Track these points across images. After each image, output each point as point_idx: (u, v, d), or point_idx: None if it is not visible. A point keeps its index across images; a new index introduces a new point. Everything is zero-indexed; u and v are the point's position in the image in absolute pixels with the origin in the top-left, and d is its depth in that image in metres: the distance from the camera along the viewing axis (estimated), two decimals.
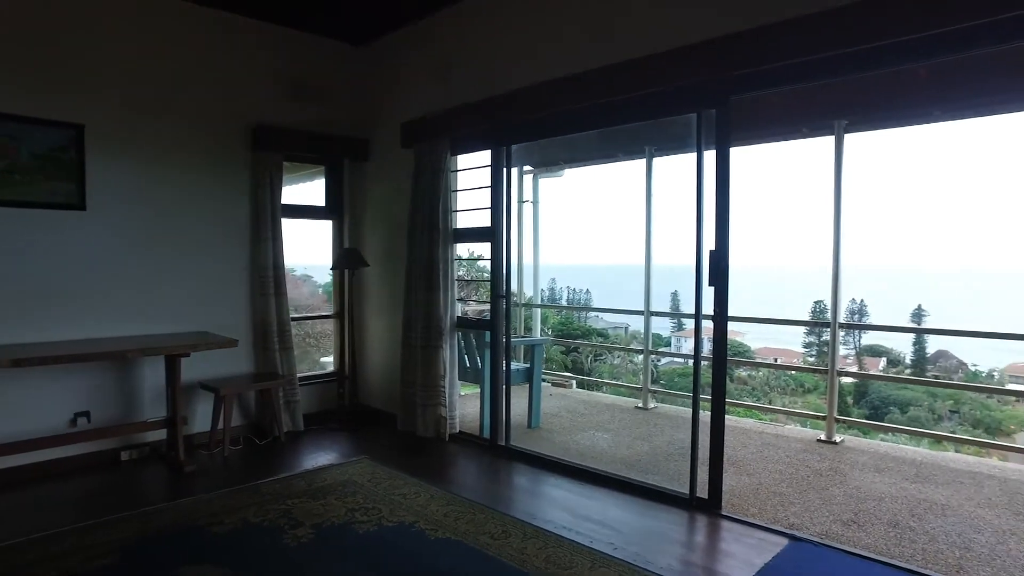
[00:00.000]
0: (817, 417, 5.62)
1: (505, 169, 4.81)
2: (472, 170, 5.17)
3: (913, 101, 4.88)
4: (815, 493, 4.16)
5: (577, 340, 19.83)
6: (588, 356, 27.60)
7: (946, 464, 4.79)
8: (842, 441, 5.27)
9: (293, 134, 5.54)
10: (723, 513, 3.77)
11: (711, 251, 3.62)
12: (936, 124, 5.36)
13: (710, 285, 3.62)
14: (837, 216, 5.21)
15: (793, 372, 34.05)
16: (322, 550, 3.33)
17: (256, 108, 5.37)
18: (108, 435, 4.55)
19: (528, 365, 5.72)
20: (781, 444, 5.25)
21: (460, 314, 5.48)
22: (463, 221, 5.28)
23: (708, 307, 3.74)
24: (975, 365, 33.65)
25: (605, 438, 5.45)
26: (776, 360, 36.06)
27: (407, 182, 5.26)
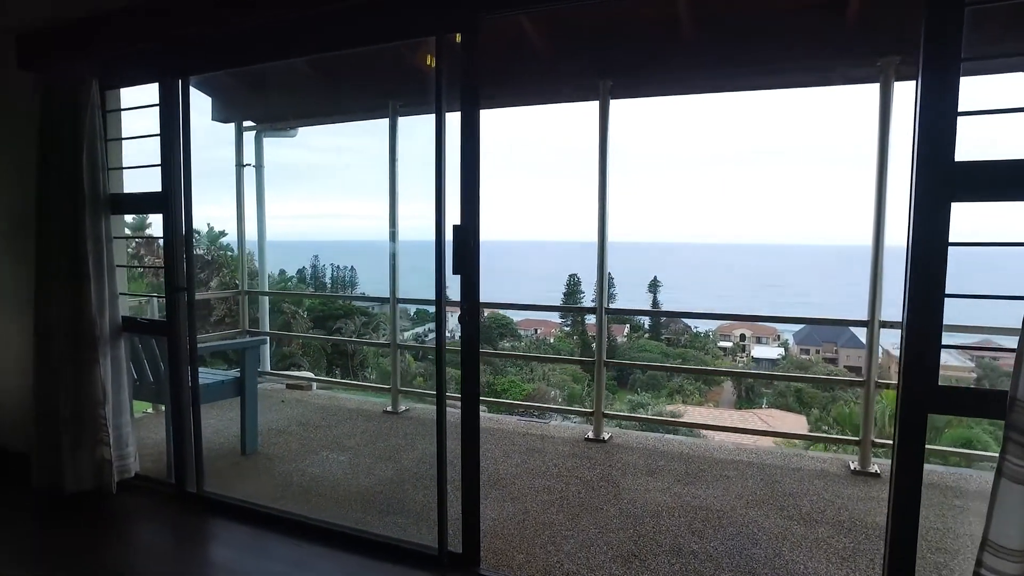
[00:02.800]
0: (585, 413, 5.01)
1: (182, 111, 3.31)
2: (136, 110, 3.58)
3: (675, 62, 4.36)
4: (589, 517, 3.42)
5: (300, 333, 17.65)
6: (351, 336, 26.10)
7: (710, 454, 4.41)
8: (610, 438, 4.69)
9: None
10: (482, 573, 2.82)
11: (455, 226, 2.60)
12: (697, 96, 5.01)
13: (455, 273, 2.61)
14: (603, 188, 4.55)
15: (552, 341, 35.41)
16: None
17: None
18: None
19: (238, 374, 4.29)
20: (547, 448, 4.52)
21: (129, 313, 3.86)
22: (131, 183, 3.69)
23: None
24: (696, 327, 38.49)
25: (342, 461, 4.27)
26: (536, 331, 37.62)
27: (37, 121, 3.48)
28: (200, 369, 4.30)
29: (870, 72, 3.99)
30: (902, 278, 2.25)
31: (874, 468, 4.10)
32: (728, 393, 33.56)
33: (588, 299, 52.13)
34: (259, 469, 4.10)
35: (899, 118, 4.10)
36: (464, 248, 2.57)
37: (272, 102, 5.81)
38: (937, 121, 2.01)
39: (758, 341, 37.44)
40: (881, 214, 3.94)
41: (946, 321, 2.11)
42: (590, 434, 4.71)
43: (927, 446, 2.14)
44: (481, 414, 5.43)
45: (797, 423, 24.69)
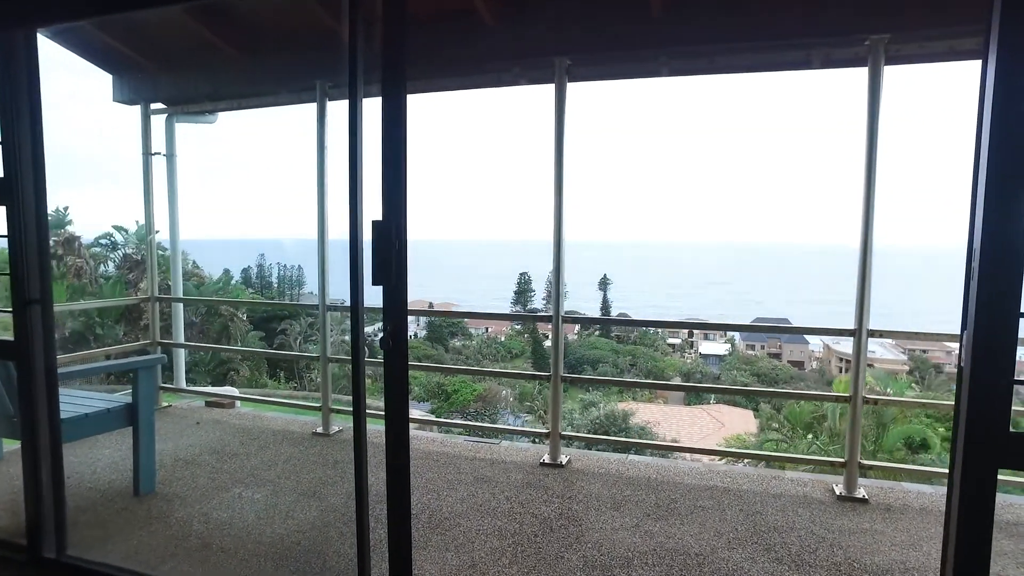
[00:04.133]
0: (540, 434, 4.40)
1: (29, 75, 2.56)
2: None
3: (640, 39, 3.80)
4: (548, 569, 2.80)
5: (212, 345, 15.94)
6: (297, 338, 24.99)
7: (680, 479, 3.88)
8: (568, 462, 4.11)
9: None
10: None
11: (375, 222, 1.96)
12: (658, 82, 4.49)
13: (376, 284, 1.97)
14: (559, 183, 3.97)
15: (503, 339, 34.79)
16: None
17: None
18: None
19: (129, 399, 3.52)
20: (498, 476, 3.91)
21: None
22: None
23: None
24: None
25: (256, 501, 3.56)
26: (487, 330, 37.07)
27: None
28: (80, 395, 3.55)
29: (858, 52, 3.51)
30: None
31: (860, 492, 3.63)
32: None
33: (539, 296, 51.90)
34: (152, 516, 3.35)
35: (889, 106, 3.66)
36: (385, 251, 1.93)
37: (184, 82, 5.00)
38: (1017, 77, 1.49)
39: (705, 337, 37.77)
40: (870, 211, 3.47)
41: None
42: (546, 457, 4.12)
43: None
44: (425, 435, 4.78)
45: (744, 418, 24.78)
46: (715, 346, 36.19)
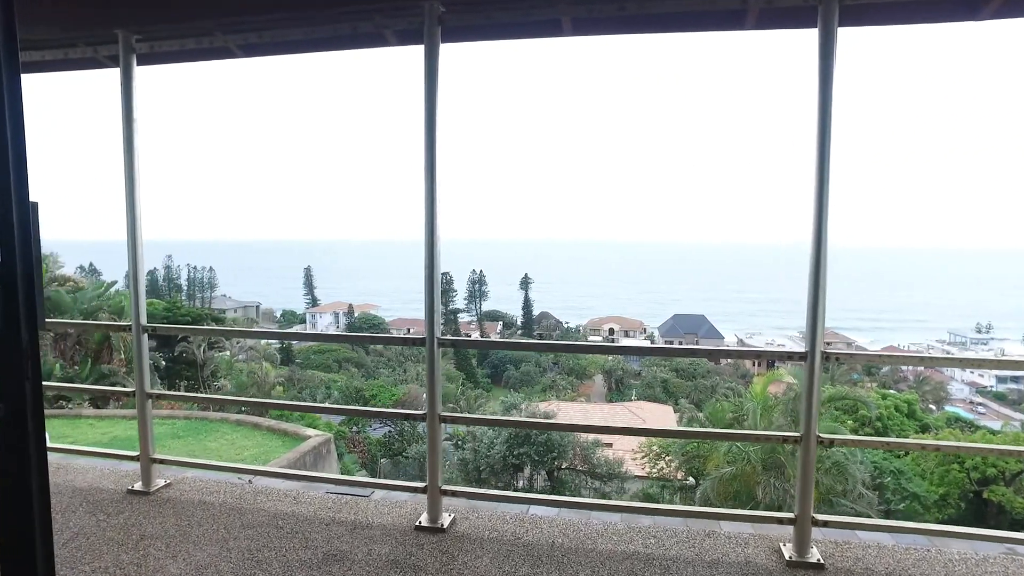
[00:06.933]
0: (415, 490, 3.39)
1: None
2: None
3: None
4: None
5: None
6: (201, 346, 22.95)
7: (592, 544, 3.01)
8: (452, 523, 3.17)
9: None
10: None
11: None
12: (574, 47, 3.57)
13: None
14: (431, 171, 3.04)
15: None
16: None
17: None
18: None
19: None
20: (357, 550, 2.89)
21: None
22: None
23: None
24: (567, 323, 38.40)
25: None
26: (409, 331, 35.95)
27: None
28: None
29: (802, 8, 2.74)
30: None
31: (814, 555, 2.86)
32: (599, 386, 33.47)
33: (461, 297, 50.76)
34: None
35: (844, 80, 2.92)
36: None
37: None
38: None
39: (625, 334, 37.86)
40: (823, 212, 2.69)
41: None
42: (423, 519, 3.17)
43: None
44: (279, 486, 3.74)
45: (665, 414, 24.64)
46: (636, 343, 36.25)
